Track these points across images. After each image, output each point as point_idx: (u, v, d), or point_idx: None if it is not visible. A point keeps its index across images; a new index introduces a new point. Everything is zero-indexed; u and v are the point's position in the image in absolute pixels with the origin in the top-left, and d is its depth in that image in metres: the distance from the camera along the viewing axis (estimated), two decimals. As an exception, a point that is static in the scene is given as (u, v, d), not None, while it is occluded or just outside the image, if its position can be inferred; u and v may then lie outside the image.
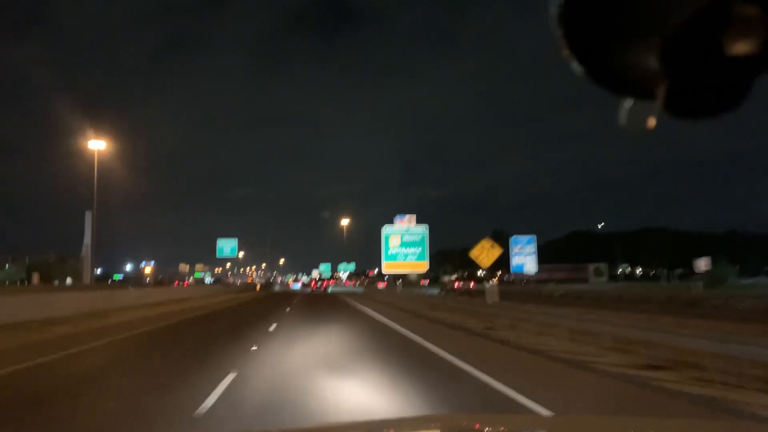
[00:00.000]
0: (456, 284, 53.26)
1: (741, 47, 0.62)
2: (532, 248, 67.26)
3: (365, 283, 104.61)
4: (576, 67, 0.69)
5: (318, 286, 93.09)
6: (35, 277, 62.37)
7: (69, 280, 64.86)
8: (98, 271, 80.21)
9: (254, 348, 10.46)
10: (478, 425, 2.18)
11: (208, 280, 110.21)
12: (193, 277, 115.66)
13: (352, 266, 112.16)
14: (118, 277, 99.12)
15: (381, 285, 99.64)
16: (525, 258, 67.03)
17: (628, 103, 0.73)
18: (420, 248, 38.82)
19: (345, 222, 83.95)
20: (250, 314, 22.34)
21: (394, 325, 16.12)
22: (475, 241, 25.43)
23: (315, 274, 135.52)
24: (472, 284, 52.50)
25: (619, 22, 0.66)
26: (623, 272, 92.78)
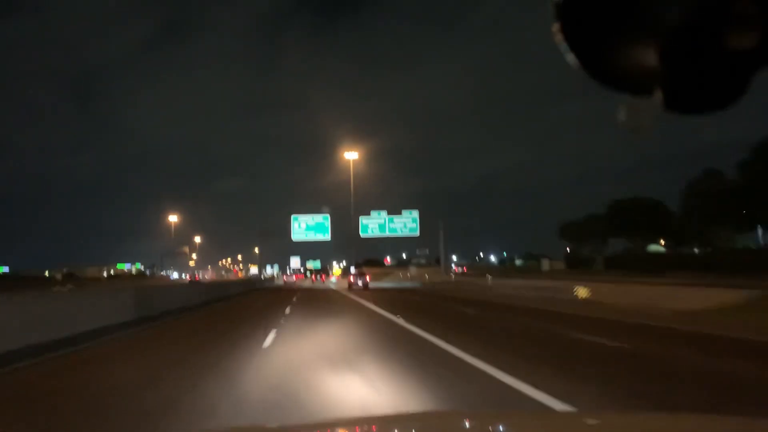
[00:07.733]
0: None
1: (740, 43, 0.62)
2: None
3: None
4: (573, 60, 0.69)
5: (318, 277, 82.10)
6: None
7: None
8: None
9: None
10: (482, 421, 2.17)
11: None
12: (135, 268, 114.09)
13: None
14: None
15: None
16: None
17: (626, 99, 0.73)
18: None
19: (353, 156, 50.87)
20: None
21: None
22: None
23: (294, 263, 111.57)
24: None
25: (618, 18, 0.65)
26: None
